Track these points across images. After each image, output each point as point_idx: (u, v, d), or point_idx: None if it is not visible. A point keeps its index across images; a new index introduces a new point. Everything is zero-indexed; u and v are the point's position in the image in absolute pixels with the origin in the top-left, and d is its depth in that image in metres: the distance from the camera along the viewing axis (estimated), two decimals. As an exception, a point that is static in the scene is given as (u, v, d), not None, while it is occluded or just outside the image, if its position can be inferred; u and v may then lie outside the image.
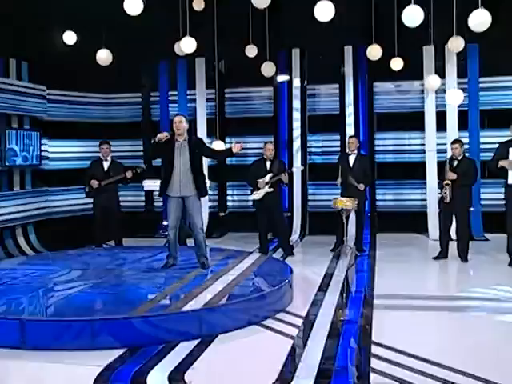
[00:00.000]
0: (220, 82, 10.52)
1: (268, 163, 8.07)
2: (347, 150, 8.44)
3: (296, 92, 10.44)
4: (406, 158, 10.45)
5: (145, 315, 4.63)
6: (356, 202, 8.08)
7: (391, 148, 10.52)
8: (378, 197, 10.53)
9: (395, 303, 5.77)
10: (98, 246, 8.21)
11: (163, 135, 5.85)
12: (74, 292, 5.35)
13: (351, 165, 8.29)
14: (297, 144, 10.29)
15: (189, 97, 10.63)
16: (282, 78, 9.97)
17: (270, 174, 7.95)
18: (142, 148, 10.88)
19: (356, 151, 8.30)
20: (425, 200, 10.26)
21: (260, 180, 7.95)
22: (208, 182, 6.84)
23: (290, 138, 10.48)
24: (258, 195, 7.96)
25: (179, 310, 4.80)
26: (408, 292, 6.15)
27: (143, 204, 11.07)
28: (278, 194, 8.09)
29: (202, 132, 10.42)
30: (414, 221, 10.31)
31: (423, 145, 10.16)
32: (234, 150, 5.79)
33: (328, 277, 6.89)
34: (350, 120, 10.27)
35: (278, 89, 10.44)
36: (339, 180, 8.22)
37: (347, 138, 8.59)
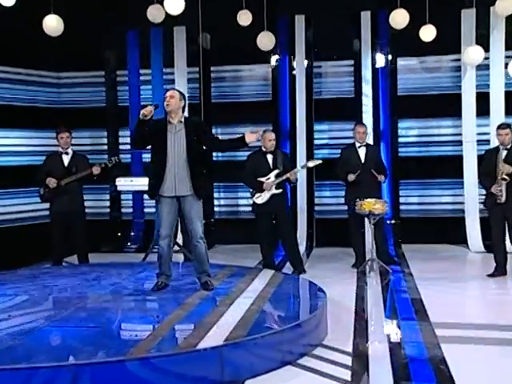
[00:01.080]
0: (205, 57, 10.25)
1: (269, 157, 7.75)
2: (356, 142, 8.20)
3: (300, 70, 10.17)
4: (434, 151, 10.23)
5: (144, 356, 4.02)
6: (386, 205, 7.87)
7: (416, 139, 10.28)
8: (400, 199, 10.28)
9: (462, 334, 5.37)
10: (55, 262, 7.79)
11: (148, 110, 5.44)
12: (37, 327, 4.71)
13: (362, 159, 8.10)
14: (301, 135, 10.11)
15: (165, 77, 10.32)
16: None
17: (276, 171, 7.64)
18: (106, 141, 10.63)
19: (365, 142, 8.14)
20: (460, 203, 10.03)
21: (264, 180, 7.65)
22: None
23: (293, 127, 10.20)
24: (262, 198, 7.66)
25: (192, 348, 4.19)
26: (473, 320, 5.81)
27: (108, 211, 10.74)
28: (284, 195, 7.81)
29: None
30: (444, 229, 10.10)
31: (457, 134, 9.95)
32: (248, 140, 5.42)
33: (361, 299, 6.61)
34: (366, 105, 10.02)
35: (277, 67, 10.20)
36: (351, 175, 7.90)
37: (355, 127, 8.26)
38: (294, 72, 10.17)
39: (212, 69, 10.46)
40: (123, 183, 8.27)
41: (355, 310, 6.10)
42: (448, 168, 10.04)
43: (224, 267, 7.02)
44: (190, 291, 5.80)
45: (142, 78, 10.46)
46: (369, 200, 7.68)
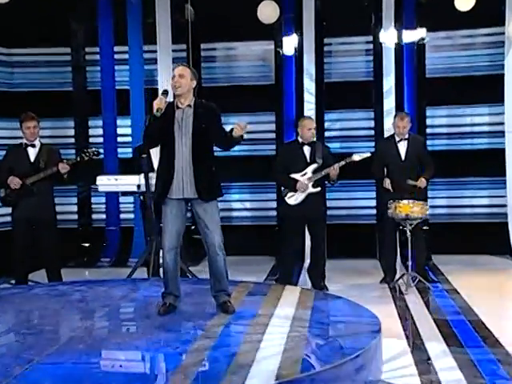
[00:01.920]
0: (194, 32, 9.96)
1: (307, 149, 7.60)
2: (395, 134, 8.01)
3: (308, 48, 10.01)
4: (464, 144, 10.20)
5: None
6: (426, 208, 7.67)
7: (444, 130, 10.20)
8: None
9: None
10: (18, 280, 7.50)
11: (161, 102, 5.24)
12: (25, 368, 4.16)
13: (403, 156, 7.94)
14: None
15: (146, 55, 10.15)
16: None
17: (314, 166, 7.51)
18: (73, 132, 10.48)
19: (407, 135, 7.95)
20: (499, 206, 9.97)
21: (299, 176, 7.52)
22: None
23: (300, 116, 9.66)
24: (296, 198, 7.55)
25: (238, 390, 3.71)
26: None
27: (76, 217, 10.54)
28: (322, 196, 7.79)
29: None
30: (480, 237, 9.95)
31: (496, 124, 9.88)
32: (236, 133, 5.27)
33: (408, 322, 6.36)
34: (388, 90, 9.89)
35: (281, 43, 10.05)
36: (388, 182, 7.89)
37: (395, 119, 8.06)
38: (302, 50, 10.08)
39: (202, 46, 10.33)
40: (106, 183, 7.72)
41: (406, 337, 5.84)
42: (485, 164, 9.98)
43: (237, 283, 6.66)
44: (207, 315, 5.46)
45: (116, 56, 10.30)
46: (405, 201, 7.52)
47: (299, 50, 10.07)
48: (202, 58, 10.30)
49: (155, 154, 7.32)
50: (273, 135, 10.12)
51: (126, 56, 10.17)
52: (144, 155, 7.40)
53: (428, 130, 10.01)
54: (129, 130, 10.01)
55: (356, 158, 7.64)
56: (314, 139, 7.64)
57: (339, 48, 10.29)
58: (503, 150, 9.73)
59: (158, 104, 5.21)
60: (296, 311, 5.66)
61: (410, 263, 7.68)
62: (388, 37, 9.83)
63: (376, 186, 9.69)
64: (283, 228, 7.85)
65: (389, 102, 9.90)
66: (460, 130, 10.12)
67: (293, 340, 4.78)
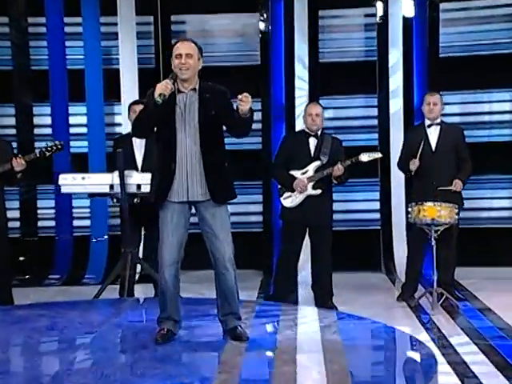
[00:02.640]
0: (162, 2, 10.08)
1: (312, 141, 7.59)
2: (425, 119, 7.98)
3: (299, 22, 9.98)
4: (482, 136, 10.10)
5: None
6: (456, 211, 7.55)
7: (458, 119, 9.96)
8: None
9: None
10: None
11: (167, 86, 5.08)
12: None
13: (433, 145, 7.84)
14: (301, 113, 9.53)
15: (104, 29, 10.13)
16: None
17: (316, 164, 7.48)
18: (14, 121, 10.34)
19: (439, 120, 7.93)
20: None
21: (299, 174, 7.52)
22: None
23: (290, 102, 10.15)
24: (292, 200, 7.56)
25: None
26: None
27: (18, 225, 10.36)
28: (327, 199, 7.68)
29: (128, 94, 9.77)
30: (502, 244, 9.96)
31: None
32: (243, 109, 5.09)
33: (448, 350, 6.11)
34: (394, 72, 9.86)
35: (268, 17, 10.07)
36: (416, 163, 7.70)
37: (425, 96, 8.04)
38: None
39: (172, 18, 10.26)
40: (70, 182, 7.37)
41: (454, 371, 5.54)
42: (506, 159, 9.99)
43: (239, 303, 6.31)
44: (217, 343, 5.37)
45: (67, 29, 10.18)
46: (430, 204, 7.38)
47: (288, 24, 10.02)
48: (172, 34, 10.16)
49: (139, 146, 7.31)
50: (258, 126, 9.96)
51: (80, 29, 10.09)
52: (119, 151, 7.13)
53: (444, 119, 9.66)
54: (83, 119, 9.93)
55: (364, 158, 7.57)
56: (319, 130, 7.57)
57: (335, 22, 10.22)
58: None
59: (163, 89, 5.02)
60: (323, 337, 5.60)
61: (435, 277, 7.55)
62: (395, 9, 9.85)
63: (381, 186, 9.78)
64: (281, 234, 7.97)
65: (395, 87, 9.87)
66: (477, 119, 10.10)
67: (334, 375, 4.62)
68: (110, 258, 9.49)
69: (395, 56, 9.93)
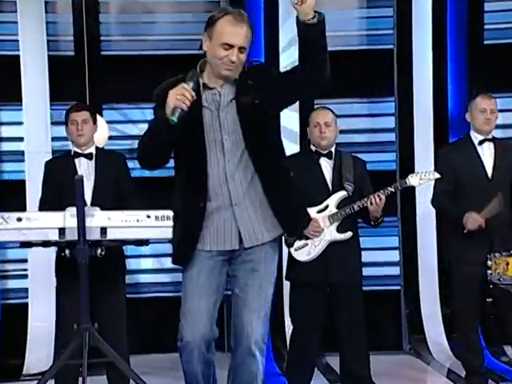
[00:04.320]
0: None
1: (326, 163, 6.66)
2: (474, 132, 6.97)
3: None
4: None
5: None
6: None
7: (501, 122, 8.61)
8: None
9: None
10: None
11: (185, 96, 4.21)
12: None
13: (489, 170, 6.82)
14: (289, 118, 8.53)
15: None
16: None
17: (340, 195, 6.59)
18: None
19: (491, 135, 7.02)
20: None
21: (315, 212, 6.53)
22: None
23: None
24: (309, 251, 6.60)
25: None
26: None
27: None
28: (355, 246, 6.72)
29: (33, 94, 8.52)
30: None
31: None
32: (302, 11, 4.30)
33: None
34: (420, 66, 8.50)
35: None
36: (473, 218, 6.61)
37: (473, 101, 6.96)
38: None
39: None
40: (4, 227, 6.02)
41: None
42: None
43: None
44: None
45: None
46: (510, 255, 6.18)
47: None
48: (99, 10, 8.64)
49: (87, 171, 6.38)
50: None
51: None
52: None
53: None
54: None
55: (414, 181, 6.57)
56: (332, 147, 6.60)
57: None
58: None
59: (180, 100, 4.24)
60: None
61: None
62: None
63: (402, 227, 8.43)
64: (292, 300, 6.76)
65: (422, 86, 8.42)
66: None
67: None
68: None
69: (422, 45, 8.52)
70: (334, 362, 7.56)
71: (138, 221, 5.29)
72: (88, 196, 6.20)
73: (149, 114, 8.28)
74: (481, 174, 6.70)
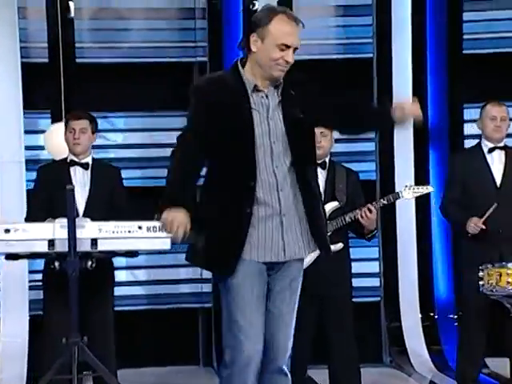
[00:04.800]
0: None
1: (320, 175, 6.36)
2: (485, 140, 7.05)
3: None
4: None
5: None
6: None
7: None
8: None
9: None
10: None
11: (181, 227, 4.47)
12: None
13: (498, 179, 6.89)
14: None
15: None
16: None
17: (333, 205, 6.60)
18: None
19: (504, 142, 7.11)
20: None
21: None
22: None
23: None
24: None
25: None
26: None
27: None
28: (345, 257, 6.75)
29: (6, 103, 8.29)
30: None
31: None
32: (403, 112, 4.62)
33: None
34: (400, 74, 8.55)
35: None
36: (475, 222, 6.72)
37: (484, 108, 7.03)
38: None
39: None
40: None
41: None
42: None
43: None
44: None
45: None
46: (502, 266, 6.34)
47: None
48: (74, 16, 8.46)
49: (81, 180, 6.42)
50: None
51: None
52: None
53: (466, 142, 8.54)
54: None
55: (408, 194, 6.64)
56: (326, 157, 6.65)
57: (313, 3, 8.73)
58: None
59: (177, 232, 4.34)
60: None
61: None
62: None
63: (382, 237, 8.38)
64: None
65: (401, 95, 8.15)
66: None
67: None
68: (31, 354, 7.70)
69: (401, 52, 8.51)
70: (316, 375, 7.50)
71: (129, 232, 5.18)
72: (81, 206, 6.14)
73: (123, 123, 8.35)
74: (489, 182, 6.73)
